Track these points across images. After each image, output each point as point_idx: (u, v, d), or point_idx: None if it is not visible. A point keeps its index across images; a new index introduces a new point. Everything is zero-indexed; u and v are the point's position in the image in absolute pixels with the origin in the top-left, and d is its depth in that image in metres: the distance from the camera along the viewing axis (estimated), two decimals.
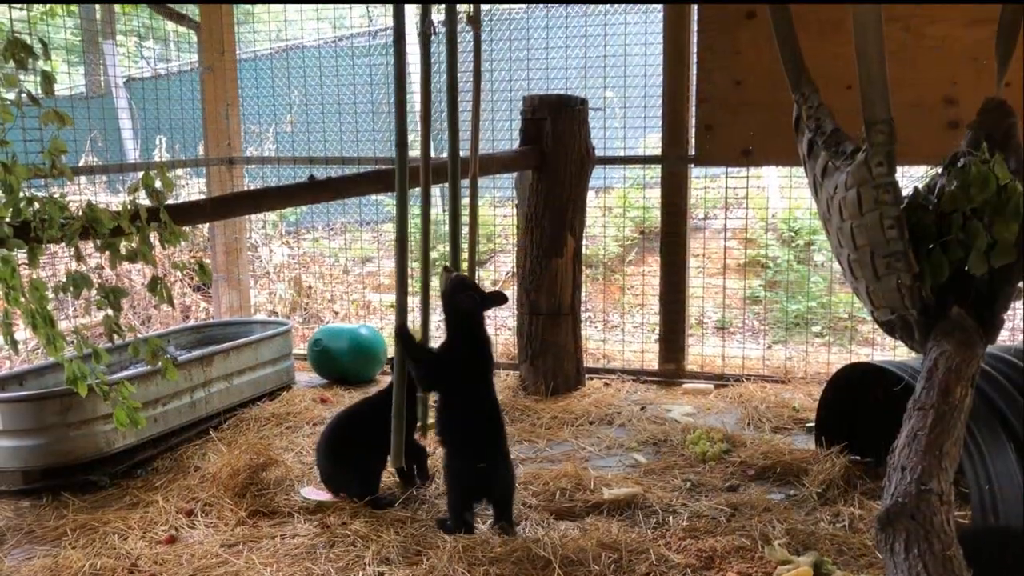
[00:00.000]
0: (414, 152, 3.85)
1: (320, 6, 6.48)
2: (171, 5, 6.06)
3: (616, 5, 6.72)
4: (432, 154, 3.78)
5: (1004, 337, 3.66)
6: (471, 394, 3.40)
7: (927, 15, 4.53)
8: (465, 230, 4.09)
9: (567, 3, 6.05)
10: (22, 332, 5.55)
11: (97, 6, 7.63)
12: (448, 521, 3.40)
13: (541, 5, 7.85)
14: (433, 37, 3.71)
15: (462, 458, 3.36)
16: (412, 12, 7.95)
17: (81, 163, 6.60)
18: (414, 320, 4.32)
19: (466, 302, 3.35)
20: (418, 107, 8.34)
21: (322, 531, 3.40)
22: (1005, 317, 2.75)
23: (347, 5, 7.98)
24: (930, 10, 4.52)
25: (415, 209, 7.66)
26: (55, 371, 4.19)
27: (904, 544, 2.15)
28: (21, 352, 5.43)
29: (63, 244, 3.03)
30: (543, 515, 3.48)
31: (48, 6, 7.93)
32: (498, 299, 3.47)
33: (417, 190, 3.65)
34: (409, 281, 3.53)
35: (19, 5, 4.95)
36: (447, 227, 3.88)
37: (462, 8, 3.86)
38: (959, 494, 2.91)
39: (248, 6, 6.61)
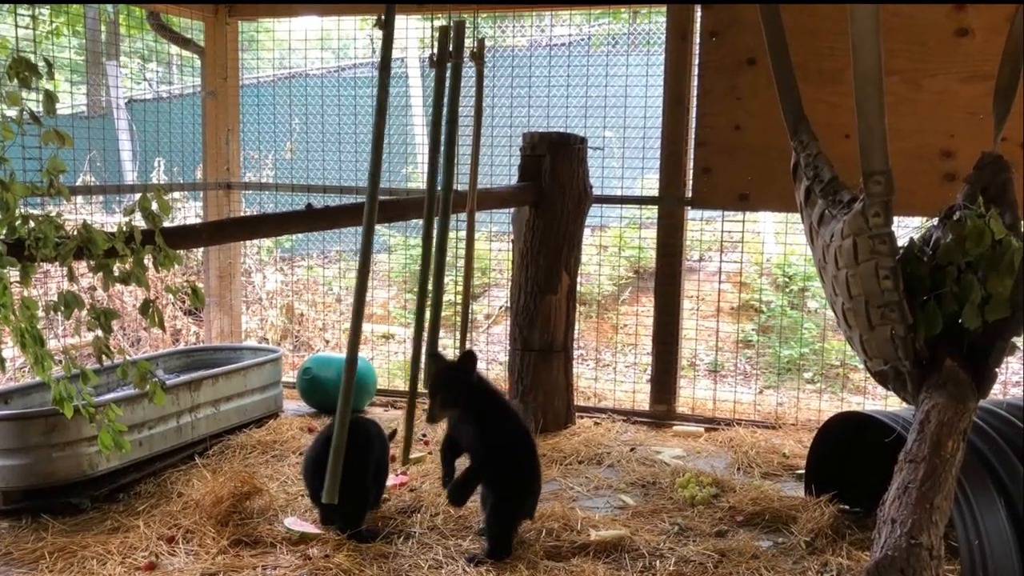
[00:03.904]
0: (413, 184, 3.86)
1: (324, 36, 6.51)
2: (176, 30, 6.09)
3: (619, 46, 6.77)
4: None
5: (996, 391, 3.65)
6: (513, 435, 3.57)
7: (927, 69, 4.58)
8: (460, 263, 4.10)
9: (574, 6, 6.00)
10: (10, 350, 5.52)
11: (102, 27, 7.68)
12: (493, 549, 3.43)
13: (544, 44, 7.93)
14: (432, 70, 3.73)
15: (516, 485, 3.50)
16: (415, 42, 8.02)
17: (78, 182, 6.60)
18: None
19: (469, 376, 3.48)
20: (418, 139, 8.41)
21: (304, 563, 3.36)
22: (998, 371, 2.75)
23: (351, 36, 8.05)
24: (930, 64, 4.57)
25: (413, 240, 7.65)
26: (41, 391, 4.15)
27: None
28: (8, 370, 5.39)
29: (56, 263, 3.02)
30: (529, 555, 3.44)
31: (54, 25, 7.99)
32: (470, 358, 3.55)
33: (416, 222, 3.66)
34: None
35: (24, 24, 4.97)
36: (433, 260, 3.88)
37: (466, 43, 3.89)
38: (948, 548, 2.88)
39: (253, 32, 6.65)
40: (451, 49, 3.82)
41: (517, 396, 5.12)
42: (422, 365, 3.82)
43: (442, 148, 3.85)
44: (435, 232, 3.86)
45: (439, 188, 3.89)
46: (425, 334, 3.87)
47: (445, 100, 3.84)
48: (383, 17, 3.42)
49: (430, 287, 3.87)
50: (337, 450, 3.36)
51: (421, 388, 3.68)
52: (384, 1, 3.37)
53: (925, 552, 2.19)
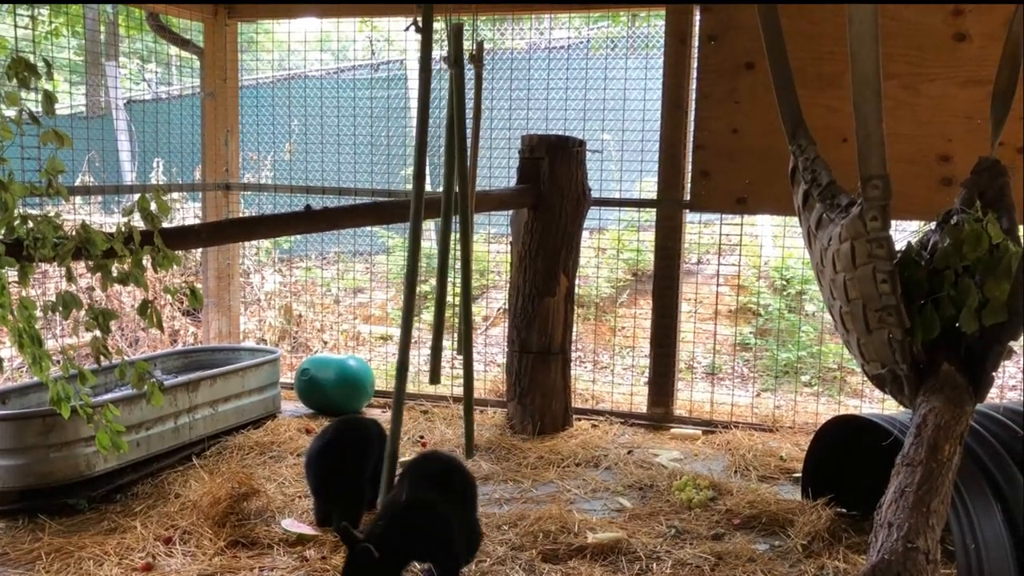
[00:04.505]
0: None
1: (323, 38, 6.51)
2: (175, 31, 6.09)
3: (618, 50, 6.77)
4: (428, 188, 3.80)
5: (993, 395, 3.66)
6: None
7: (925, 74, 4.59)
8: (458, 264, 4.10)
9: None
10: (7, 350, 5.52)
11: (102, 27, 7.68)
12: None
13: (543, 47, 7.93)
14: (436, 72, 3.75)
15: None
16: (415, 44, 8.02)
17: (77, 183, 6.60)
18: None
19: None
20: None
21: (301, 564, 3.36)
22: (995, 376, 2.75)
23: (350, 38, 8.05)
24: (928, 69, 4.58)
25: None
26: (39, 391, 4.15)
27: None
28: (6, 370, 5.39)
29: (55, 263, 3.02)
30: (526, 557, 3.44)
31: (53, 25, 7.98)
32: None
33: (403, 225, 3.67)
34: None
35: (23, 24, 4.97)
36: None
37: (465, 46, 3.90)
38: (945, 552, 2.89)
39: (252, 34, 6.65)
40: (445, 52, 3.84)
41: (515, 398, 5.13)
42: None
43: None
44: (437, 234, 3.87)
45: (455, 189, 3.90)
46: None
47: (445, 102, 3.86)
48: (418, 20, 3.45)
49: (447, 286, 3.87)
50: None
51: (424, 389, 3.65)
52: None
53: (922, 556, 2.19)
